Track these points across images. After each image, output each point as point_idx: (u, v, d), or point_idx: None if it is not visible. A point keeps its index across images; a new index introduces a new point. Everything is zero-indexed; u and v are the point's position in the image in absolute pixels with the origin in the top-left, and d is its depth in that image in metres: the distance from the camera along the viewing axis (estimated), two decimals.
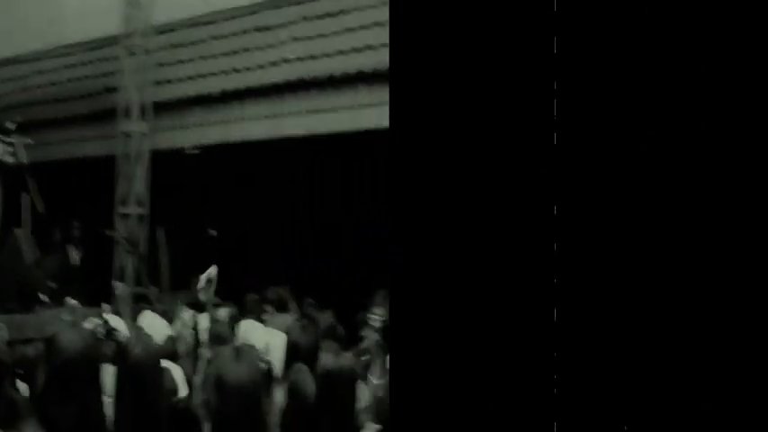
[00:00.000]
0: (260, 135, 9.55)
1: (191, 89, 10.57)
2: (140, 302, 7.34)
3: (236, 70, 10.02)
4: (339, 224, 9.35)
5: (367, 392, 4.17)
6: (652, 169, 1.29)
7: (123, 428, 2.97)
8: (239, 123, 9.79)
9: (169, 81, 10.84)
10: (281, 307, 6.57)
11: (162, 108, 10.69)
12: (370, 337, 5.61)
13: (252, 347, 3.60)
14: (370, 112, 8.46)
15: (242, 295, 6.50)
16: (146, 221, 10.20)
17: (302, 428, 3.13)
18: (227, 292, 6.24)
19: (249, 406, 2.76)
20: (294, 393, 3.25)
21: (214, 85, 10.28)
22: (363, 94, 8.64)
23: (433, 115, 1.39)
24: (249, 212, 10.01)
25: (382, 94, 8.52)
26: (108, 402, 3.35)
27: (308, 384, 3.25)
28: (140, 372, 3.08)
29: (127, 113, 10.66)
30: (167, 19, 10.61)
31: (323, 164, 9.52)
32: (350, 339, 5.65)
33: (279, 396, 3.59)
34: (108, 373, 3.52)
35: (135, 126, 10.55)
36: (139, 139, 10.52)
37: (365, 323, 5.83)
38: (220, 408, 2.79)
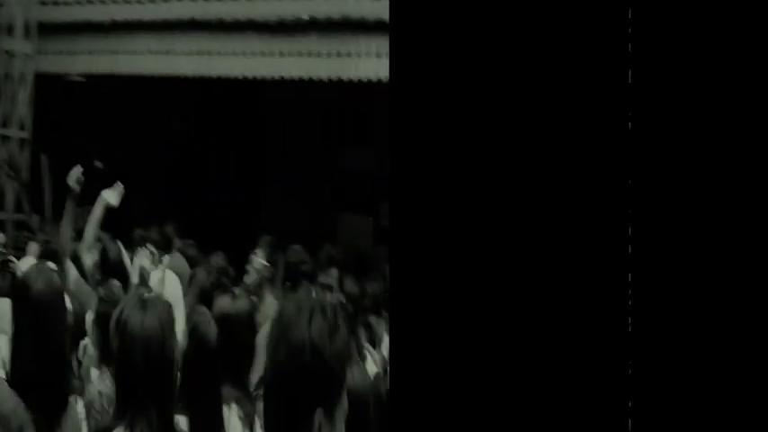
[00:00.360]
0: (149, 70, 9.40)
1: (79, 14, 10.26)
2: (21, 231, 7.22)
3: (127, 1, 9.81)
4: (228, 167, 9.38)
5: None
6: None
7: (23, 368, 2.87)
8: (129, 56, 9.61)
9: (56, 3, 10.50)
10: (167, 245, 6.59)
11: (48, 31, 10.36)
12: (253, 281, 5.76)
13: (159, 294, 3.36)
14: (260, 60, 8.49)
15: (128, 231, 6.48)
16: (27, 146, 9.96)
17: (203, 372, 3.05)
18: (112, 227, 6.17)
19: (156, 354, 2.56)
20: (195, 336, 3.13)
21: (103, 14, 10.03)
22: (253, 42, 8.64)
23: (436, 65, 1.32)
24: (136, 146, 9.91)
25: (271, 44, 8.57)
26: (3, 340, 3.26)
27: (210, 327, 3.15)
28: (42, 308, 2.92)
29: (9, 31, 10.29)
30: None
31: (214, 105, 9.50)
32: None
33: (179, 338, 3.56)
34: (4, 310, 3.29)
35: (18, 45, 10.21)
36: (23, 60, 10.21)
37: (249, 268, 5.95)
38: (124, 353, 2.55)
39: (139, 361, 2.50)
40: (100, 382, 3.37)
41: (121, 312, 2.61)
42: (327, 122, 10.56)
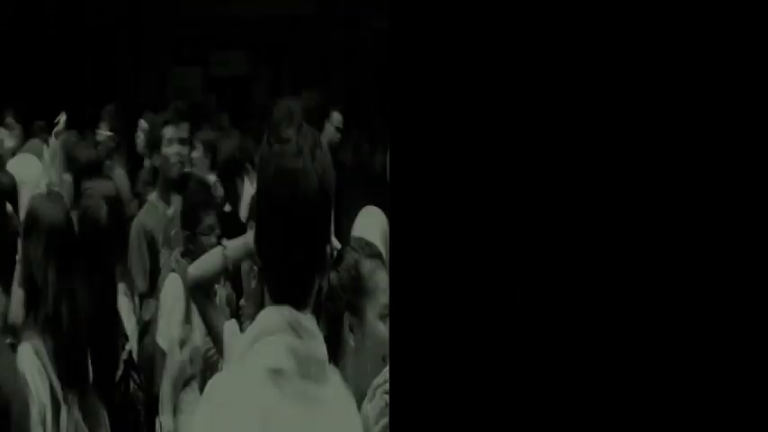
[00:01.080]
0: None
1: None
2: None
3: None
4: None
5: None
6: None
7: None
8: None
9: None
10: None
11: None
12: (101, 156, 5.80)
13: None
14: None
15: None
16: None
17: (98, 254, 3.00)
18: None
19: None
20: (87, 219, 3.06)
21: None
22: None
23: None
24: None
25: None
26: None
27: (102, 209, 3.08)
28: None
29: None
30: None
31: None
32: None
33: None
34: None
35: None
36: None
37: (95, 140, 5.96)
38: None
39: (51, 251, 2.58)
40: None
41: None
42: None
